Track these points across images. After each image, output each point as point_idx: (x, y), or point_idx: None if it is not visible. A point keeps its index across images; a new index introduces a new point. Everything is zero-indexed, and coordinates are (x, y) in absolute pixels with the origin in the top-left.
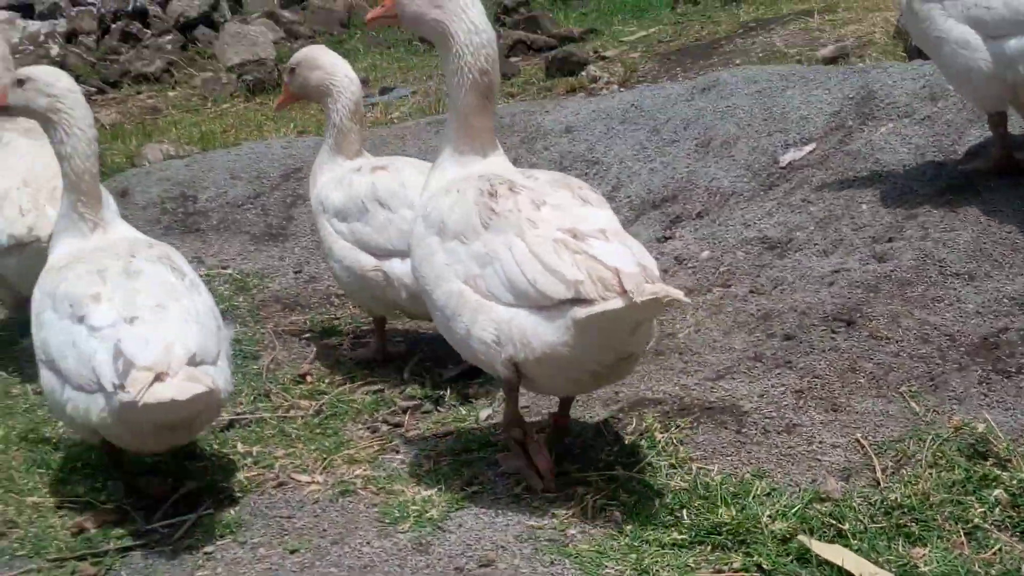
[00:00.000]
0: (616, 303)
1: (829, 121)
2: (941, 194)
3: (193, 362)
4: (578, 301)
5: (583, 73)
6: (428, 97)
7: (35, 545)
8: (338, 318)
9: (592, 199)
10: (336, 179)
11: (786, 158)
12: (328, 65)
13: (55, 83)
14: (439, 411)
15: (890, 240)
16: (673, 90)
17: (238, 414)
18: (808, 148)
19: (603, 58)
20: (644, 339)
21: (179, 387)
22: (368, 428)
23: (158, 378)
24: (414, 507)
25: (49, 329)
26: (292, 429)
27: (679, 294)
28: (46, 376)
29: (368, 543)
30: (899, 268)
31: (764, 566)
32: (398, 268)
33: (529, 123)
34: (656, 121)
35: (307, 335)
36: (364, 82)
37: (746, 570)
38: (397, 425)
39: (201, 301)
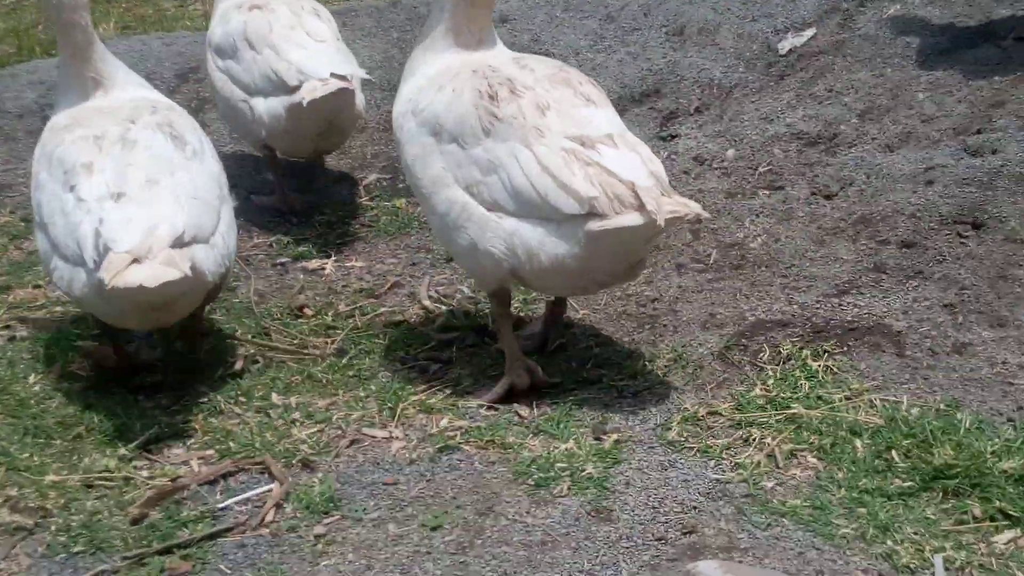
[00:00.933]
0: (634, 219)
1: (820, 4)
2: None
3: (180, 243)
4: (590, 215)
5: None
6: None
7: (89, 537)
8: (305, 237)
9: (595, 96)
10: (220, 14)
11: (785, 45)
12: None
13: None
14: (487, 342)
15: (979, 132)
16: None
17: (246, 356)
18: (808, 33)
19: None
20: (654, 245)
21: (151, 272)
22: (412, 368)
23: (136, 261)
24: (560, 465)
25: (43, 191)
26: (320, 373)
27: (698, 208)
28: (40, 238)
29: (528, 512)
30: (1009, 163)
31: (1011, 512)
32: (260, 106)
33: None
34: (608, 8)
35: (282, 260)
36: None
37: (991, 519)
38: (448, 362)
39: (201, 171)
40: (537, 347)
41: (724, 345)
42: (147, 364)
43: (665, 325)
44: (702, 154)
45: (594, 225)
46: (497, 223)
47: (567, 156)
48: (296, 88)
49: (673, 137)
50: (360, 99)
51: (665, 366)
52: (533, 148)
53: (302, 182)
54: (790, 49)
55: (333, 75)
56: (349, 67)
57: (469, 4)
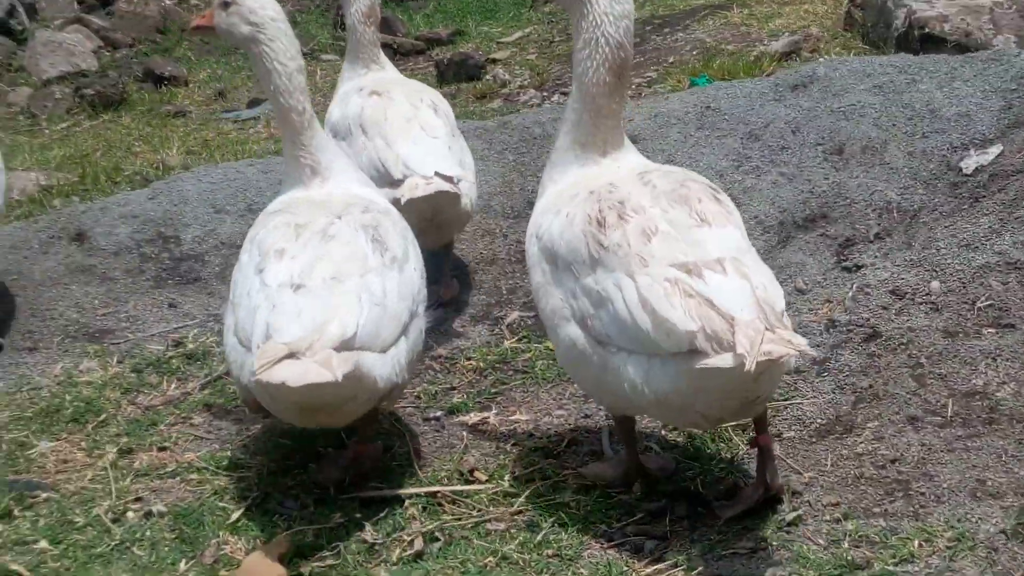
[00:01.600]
0: (727, 361)
1: (1000, 117)
2: None
3: (347, 345)
4: (692, 352)
5: (488, 77)
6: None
7: None
8: (454, 386)
9: (711, 214)
10: (341, 96)
11: (970, 164)
12: None
13: (258, 10)
14: (701, 512)
15: None
16: (751, 88)
17: (423, 533)
18: (994, 151)
19: (493, 61)
20: (772, 382)
21: (299, 371)
22: (622, 546)
23: (291, 355)
24: None
25: (240, 271)
26: (514, 553)
27: (803, 345)
28: (227, 317)
29: None
30: None
31: None
32: None
33: None
34: (749, 125)
35: (435, 415)
36: (222, 94)
37: None
38: (664, 538)
39: (396, 279)
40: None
41: (1017, 521)
42: None
43: (923, 493)
44: (900, 287)
45: (693, 363)
46: (611, 359)
47: (669, 287)
48: (400, 182)
49: (858, 267)
50: (468, 199)
51: (947, 547)
52: (636, 278)
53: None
54: (976, 168)
55: (438, 174)
56: (456, 167)
57: (594, 114)
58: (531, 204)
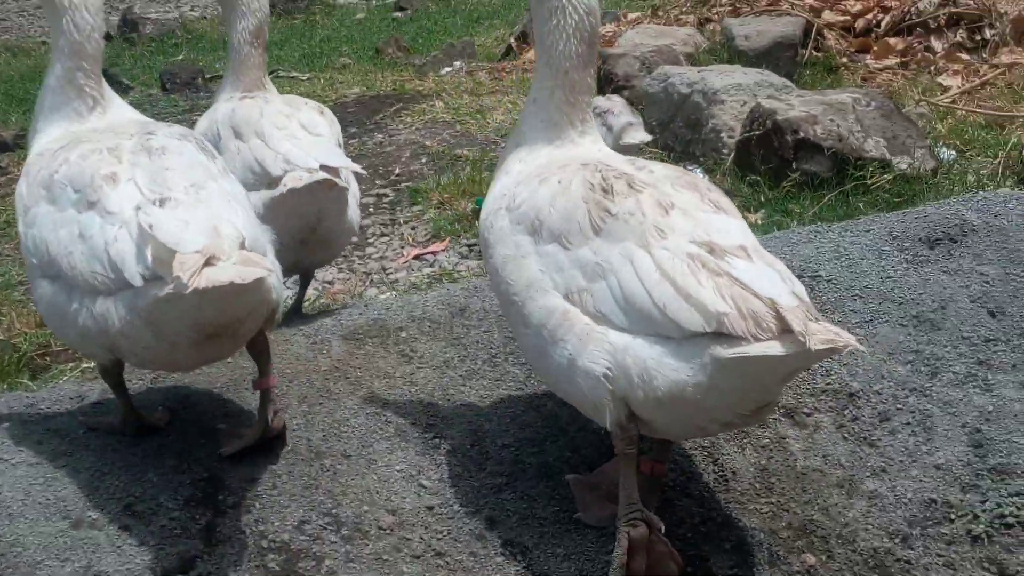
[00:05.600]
0: (775, 348)
1: None
2: None
3: (245, 248)
4: (719, 336)
5: None
6: None
7: None
8: None
9: (725, 204)
10: (209, 110)
11: None
12: None
13: None
14: None
15: None
16: (848, 242)
17: None
18: None
19: None
20: (783, 385)
21: (238, 270)
22: None
23: (208, 262)
24: None
25: (44, 224)
26: None
27: (852, 339)
28: (43, 287)
29: None
30: None
31: None
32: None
33: None
34: (906, 306)
35: None
36: None
37: None
38: None
39: (240, 189)
40: None
41: None
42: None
43: None
44: None
45: (724, 351)
46: (603, 336)
47: (692, 262)
48: (279, 179)
49: None
50: (354, 209)
51: None
52: (652, 251)
53: None
54: None
55: (323, 167)
56: (342, 160)
57: (568, 89)
58: None
